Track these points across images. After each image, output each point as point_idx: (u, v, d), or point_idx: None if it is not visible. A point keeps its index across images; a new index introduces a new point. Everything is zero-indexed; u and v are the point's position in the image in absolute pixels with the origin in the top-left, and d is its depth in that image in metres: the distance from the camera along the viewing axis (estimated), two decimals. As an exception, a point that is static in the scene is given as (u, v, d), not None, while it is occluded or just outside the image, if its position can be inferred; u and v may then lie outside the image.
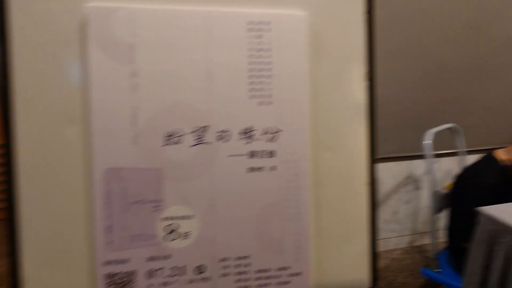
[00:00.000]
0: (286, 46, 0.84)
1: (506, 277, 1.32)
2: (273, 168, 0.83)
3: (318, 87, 0.89)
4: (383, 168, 2.49)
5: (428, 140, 2.03)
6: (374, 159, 0.94)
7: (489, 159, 1.92)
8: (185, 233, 0.78)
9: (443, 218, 2.04)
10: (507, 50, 2.49)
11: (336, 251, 0.92)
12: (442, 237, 2.00)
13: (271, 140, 0.83)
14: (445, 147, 2.51)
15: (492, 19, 2.41)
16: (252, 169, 0.82)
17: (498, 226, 1.38)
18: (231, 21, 0.80)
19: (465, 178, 1.92)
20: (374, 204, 0.94)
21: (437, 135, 2.18)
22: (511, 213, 1.43)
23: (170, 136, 0.77)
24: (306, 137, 0.86)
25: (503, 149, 1.91)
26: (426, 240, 2.61)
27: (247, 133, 0.81)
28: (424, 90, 2.43)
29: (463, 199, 1.86)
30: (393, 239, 2.63)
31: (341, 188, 0.92)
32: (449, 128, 2.25)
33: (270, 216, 0.83)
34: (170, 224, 0.77)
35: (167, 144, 0.77)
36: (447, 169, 2.58)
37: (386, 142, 2.46)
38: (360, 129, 0.93)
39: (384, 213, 2.58)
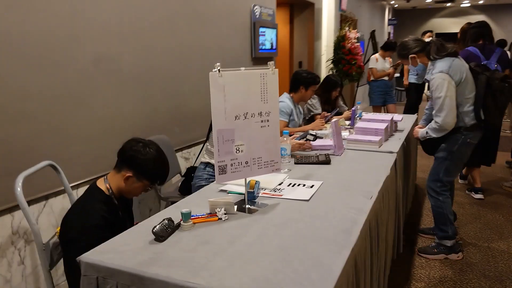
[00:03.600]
0: None
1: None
2: None
3: None
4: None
5: (18, 187, 1.68)
6: None
7: (93, 191, 1.79)
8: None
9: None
10: (92, 73, 2.46)
11: None
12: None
13: None
14: (53, 185, 2.23)
15: (71, 42, 2.30)
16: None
17: (101, 273, 1.21)
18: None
19: (71, 219, 1.70)
20: None
21: (35, 175, 1.87)
22: (114, 252, 1.30)
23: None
24: None
25: (103, 177, 1.81)
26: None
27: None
28: (8, 127, 2.04)
29: (73, 244, 1.62)
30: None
31: None
32: (50, 166, 1.97)
33: None
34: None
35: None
36: (62, 209, 2.31)
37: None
38: None
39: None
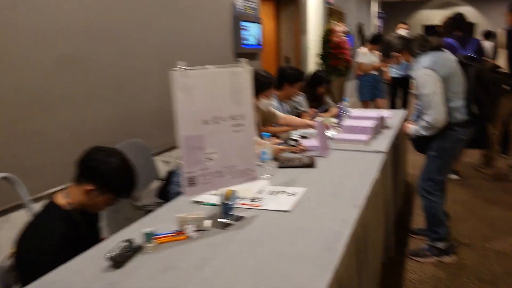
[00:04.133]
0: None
1: None
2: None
3: None
4: None
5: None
6: None
7: (50, 208, 1.61)
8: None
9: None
10: (58, 75, 2.27)
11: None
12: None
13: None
14: (11, 199, 2.04)
15: (33, 40, 2.12)
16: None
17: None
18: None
19: (26, 240, 1.52)
20: None
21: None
22: (62, 283, 1.13)
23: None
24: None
25: (63, 191, 1.64)
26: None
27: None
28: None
29: (30, 268, 1.45)
30: None
31: None
32: (4, 178, 1.80)
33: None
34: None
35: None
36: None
37: None
38: None
39: None
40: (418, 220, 3.30)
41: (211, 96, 1.40)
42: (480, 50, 3.79)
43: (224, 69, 1.42)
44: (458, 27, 3.90)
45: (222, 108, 1.42)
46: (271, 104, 2.74)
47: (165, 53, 3.13)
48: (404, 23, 7.39)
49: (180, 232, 1.39)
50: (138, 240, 1.32)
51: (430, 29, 12.70)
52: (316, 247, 1.29)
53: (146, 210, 2.55)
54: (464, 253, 2.77)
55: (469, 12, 13.17)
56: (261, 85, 2.61)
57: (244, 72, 1.45)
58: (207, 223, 1.45)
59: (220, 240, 1.37)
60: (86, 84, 2.46)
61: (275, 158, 2.27)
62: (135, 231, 1.41)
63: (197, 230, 1.40)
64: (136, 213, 2.86)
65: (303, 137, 2.78)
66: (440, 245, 2.64)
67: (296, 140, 2.46)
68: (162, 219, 1.54)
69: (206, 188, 1.43)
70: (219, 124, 1.42)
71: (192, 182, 1.39)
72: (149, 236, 1.29)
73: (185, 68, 1.33)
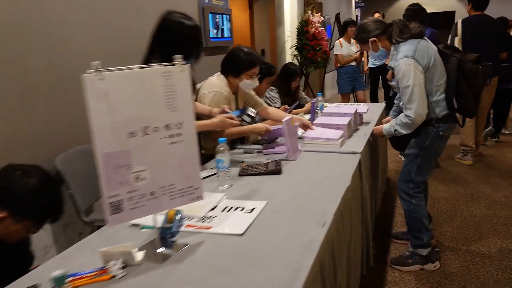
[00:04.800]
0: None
1: None
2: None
3: None
4: None
5: None
6: None
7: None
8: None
9: None
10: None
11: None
12: None
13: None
14: None
15: None
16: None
17: None
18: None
19: None
20: None
21: None
22: None
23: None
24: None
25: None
26: None
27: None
28: None
29: None
30: None
31: None
32: None
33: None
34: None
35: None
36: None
37: None
38: None
39: None
40: (400, 221, 3.10)
41: (137, 103, 1.13)
42: (434, 41, 3.68)
43: (153, 69, 1.16)
44: (415, 17, 3.86)
45: (153, 117, 1.16)
46: (255, 85, 2.45)
47: (121, 50, 2.83)
48: (379, 12, 7.20)
49: (103, 270, 1.13)
50: (48, 284, 1.06)
51: (409, 18, 12.51)
52: (270, 286, 1.05)
53: (95, 226, 2.28)
54: (448, 258, 2.57)
55: (449, 1, 13.09)
56: (243, 63, 2.34)
57: (180, 71, 1.19)
58: (139, 256, 1.20)
59: (154, 279, 1.11)
60: (20, 90, 2.16)
61: (236, 161, 2.03)
62: (55, 267, 1.14)
63: (125, 267, 1.14)
64: (91, 227, 2.58)
65: (271, 141, 2.53)
66: (423, 252, 2.43)
67: (252, 117, 2.20)
68: (88, 251, 1.28)
69: (137, 214, 1.17)
70: (150, 136, 1.16)
71: (116, 208, 1.13)
72: (60, 281, 1.03)
73: (99, 69, 1.06)
